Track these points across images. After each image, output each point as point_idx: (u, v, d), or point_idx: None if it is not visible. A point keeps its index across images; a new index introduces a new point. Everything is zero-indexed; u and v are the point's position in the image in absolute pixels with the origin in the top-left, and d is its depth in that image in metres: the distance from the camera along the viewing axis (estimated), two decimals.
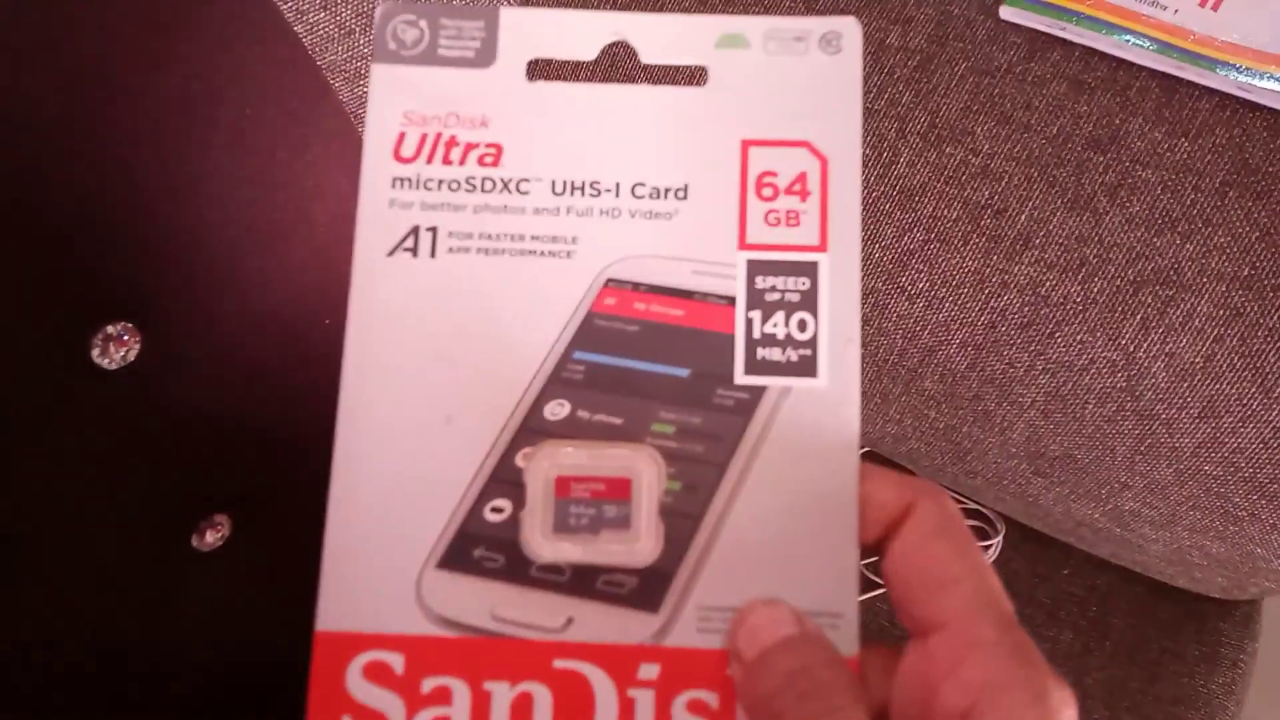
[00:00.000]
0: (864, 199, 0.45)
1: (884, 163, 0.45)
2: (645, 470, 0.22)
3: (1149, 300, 0.42)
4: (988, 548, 0.57)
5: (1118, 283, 0.42)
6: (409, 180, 0.24)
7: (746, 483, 0.22)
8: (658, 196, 0.23)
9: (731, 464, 0.22)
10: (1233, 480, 0.44)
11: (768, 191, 0.23)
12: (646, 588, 0.22)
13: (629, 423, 0.23)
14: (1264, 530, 0.45)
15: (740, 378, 0.23)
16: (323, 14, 0.43)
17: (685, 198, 0.23)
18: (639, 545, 0.22)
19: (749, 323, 0.23)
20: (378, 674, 0.22)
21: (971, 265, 0.44)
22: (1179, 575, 0.53)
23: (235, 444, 0.44)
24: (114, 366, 0.39)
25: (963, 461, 0.51)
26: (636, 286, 0.23)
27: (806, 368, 0.23)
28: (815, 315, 0.23)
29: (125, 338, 0.39)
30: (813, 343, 0.23)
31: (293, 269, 0.42)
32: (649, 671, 0.22)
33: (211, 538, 0.46)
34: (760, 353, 0.23)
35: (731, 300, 0.23)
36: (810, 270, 0.23)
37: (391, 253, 0.23)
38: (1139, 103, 0.42)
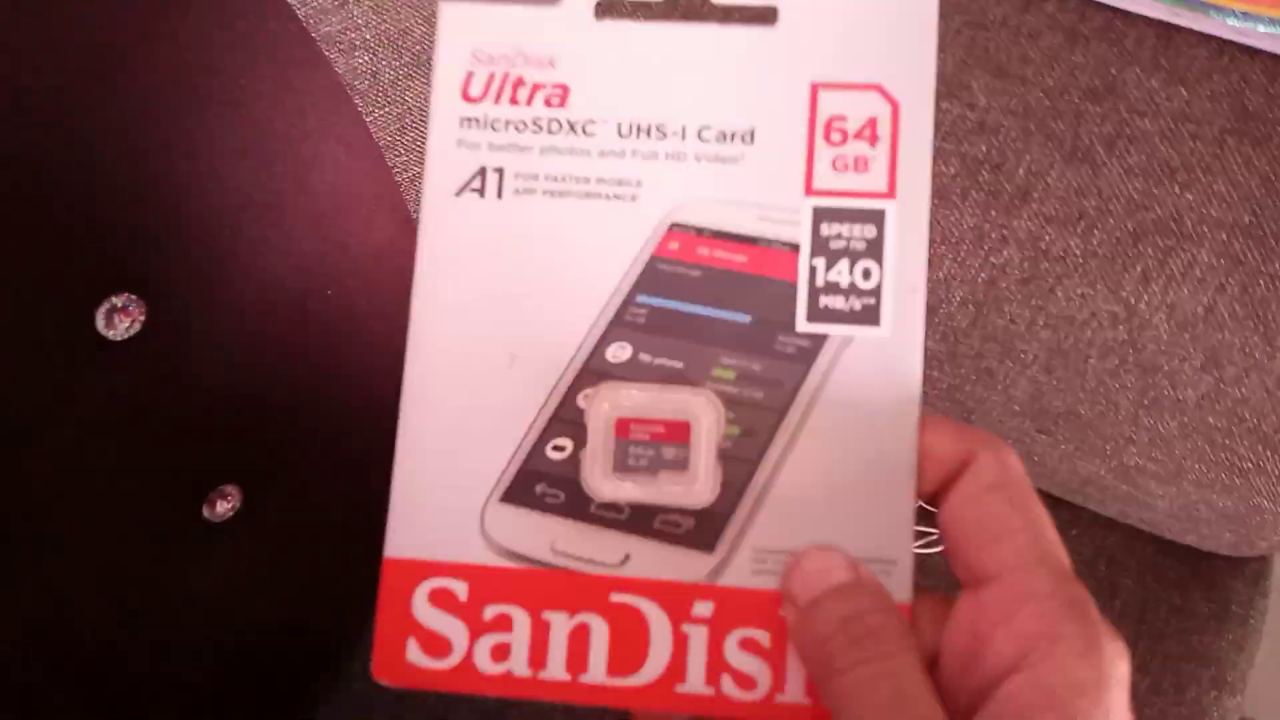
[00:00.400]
0: None
1: None
2: (704, 414, 0.23)
3: (1149, 251, 0.42)
4: None
5: (1117, 234, 0.42)
6: (477, 120, 0.24)
7: (805, 429, 0.22)
8: (724, 140, 0.23)
9: (791, 410, 0.22)
10: (1237, 432, 0.43)
11: (836, 136, 0.23)
12: (703, 528, 0.22)
13: (690, 367, 0.23)
14: (1270, 482, 0.45)
15: (802, 325, 0.23)
16: None
17: (752, 142, 0.23)
18: (696, 487, 0.23)
19: (812, 270, 0.23)
20: (442, 600, 0.23)
21: (970, 221, 0.44)
22: (1187, 532, 0.53)
23: (241, 414, 0.44)
24: (120, 338, 0.39)
25: (966, 422, 0.51)
26: (700, 231, 0.23)
27: (869, 316, 0.22)
28: (880, 264, 0.22)
29: (130, 309, 0.39)
30: (876, 291, 0.22)
31: (294, 239, 0.43)
32: (703, 609, 0.22)
33: (222, 508, 0.46)
34: (823, 300, 0.23)
35: (795, 247, 0.23)
36: (877, 218, 0.23)
37: (459, 193, 0.24)
38: (1135, 52, 0.42)
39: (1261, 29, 0.39)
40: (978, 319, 0.46)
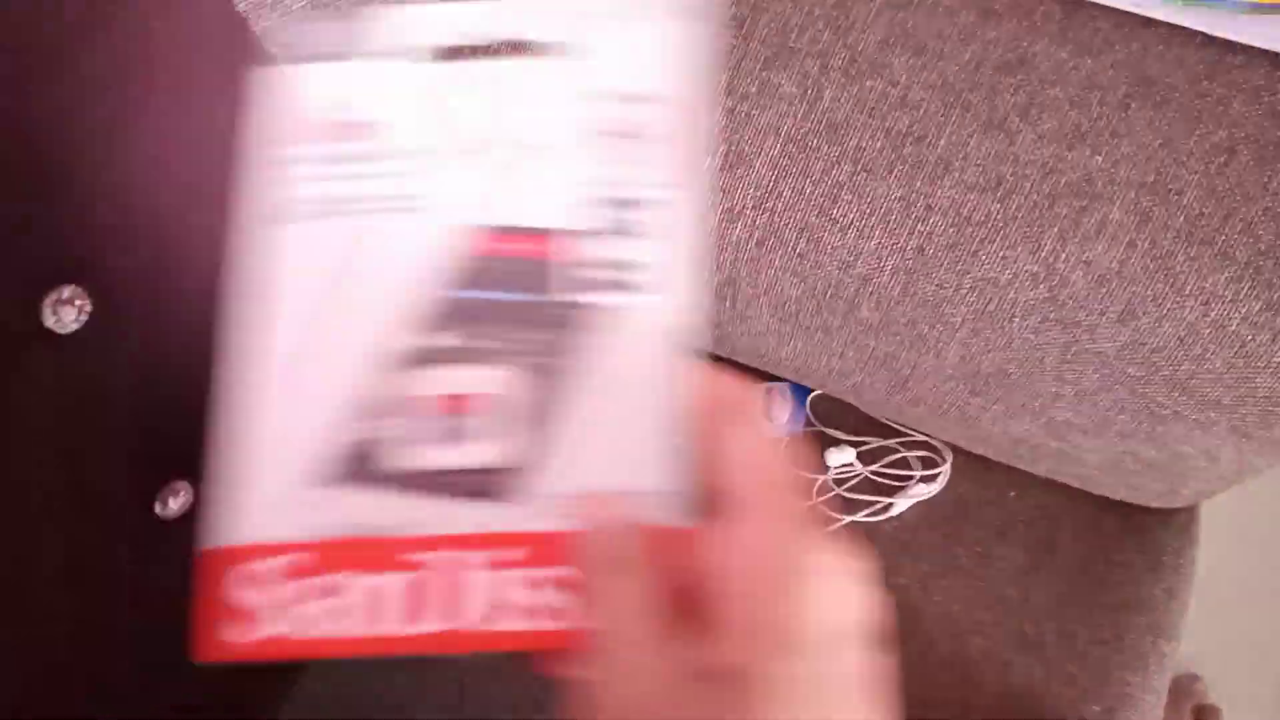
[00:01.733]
0: (792, 134, 0.47)
1: (809, 99, 0.46)
2: (496, 384, 0.26)
3: (1065, 212, 0.44)
4: (935, 477, 0.59)
5: (1034, 198, 0.44)
6: (292, 157, 0.29)
7: (586, 387, 0.26)
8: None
9: (570, 372, 0.26)
10: (1155, 380, 0.46)
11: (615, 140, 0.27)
12: (497, 481, 0.25)
13: (486, 342, 0.26)
14: (1188, 428, 0.47)
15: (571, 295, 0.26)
16: None
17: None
18: (495, 448, 0.25)
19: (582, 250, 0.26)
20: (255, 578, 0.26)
21: (897, 192, 0.46)
22: (1118, 486, 0.56)
23: (192, 408, 0.44)
24: (66, 330, 0.39)
25: (904, 389, 0.53)
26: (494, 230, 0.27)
27: (639, 286, 0.26)
28: (653, 244, 0.26)
29: (77, 301, 0.39)
30: (646, 266, 0.26)
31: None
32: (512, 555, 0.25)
33: (174, 504, 0.46)
34: (589, 274, 0.26)
35: (553, 231, 0.27)
36: (651, 205, 0.27)
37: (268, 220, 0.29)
38: (1044, 26, 0.44)
39: (1155, 1, 0.42)
40: (908, 286, 0.48)
